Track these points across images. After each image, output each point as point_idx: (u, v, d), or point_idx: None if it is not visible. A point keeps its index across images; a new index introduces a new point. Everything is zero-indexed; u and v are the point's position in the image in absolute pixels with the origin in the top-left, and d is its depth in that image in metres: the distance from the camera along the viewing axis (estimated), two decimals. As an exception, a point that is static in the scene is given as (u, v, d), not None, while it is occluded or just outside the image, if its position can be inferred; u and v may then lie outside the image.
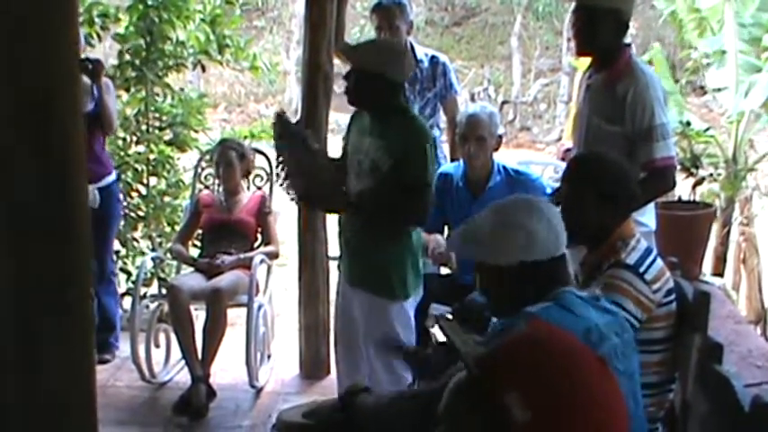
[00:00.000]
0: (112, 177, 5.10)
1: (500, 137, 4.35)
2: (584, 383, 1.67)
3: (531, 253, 2.30)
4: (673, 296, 2.88)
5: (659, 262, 2.89)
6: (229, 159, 5.00)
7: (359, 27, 14.32)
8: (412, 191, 3.58)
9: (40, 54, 1.59)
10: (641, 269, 2.81)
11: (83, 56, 4.91)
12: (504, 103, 14.66)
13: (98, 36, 5.80)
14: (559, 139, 12.18)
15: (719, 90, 6.45)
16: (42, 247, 1.68)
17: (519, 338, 1.89)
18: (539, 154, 12.37)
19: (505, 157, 4.59)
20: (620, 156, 3.18)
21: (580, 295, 2.34)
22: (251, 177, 5.22)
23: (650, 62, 6.24)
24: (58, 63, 1.63)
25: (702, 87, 8.28)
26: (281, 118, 3.80)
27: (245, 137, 6.16)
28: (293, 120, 4.08)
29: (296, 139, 3.76)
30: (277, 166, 3.82)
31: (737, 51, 6.28)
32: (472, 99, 13.78)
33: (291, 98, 14.29)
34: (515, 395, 1.67)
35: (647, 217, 3.64)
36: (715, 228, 6.21)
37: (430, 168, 3.65)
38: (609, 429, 1.67)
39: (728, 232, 6.40)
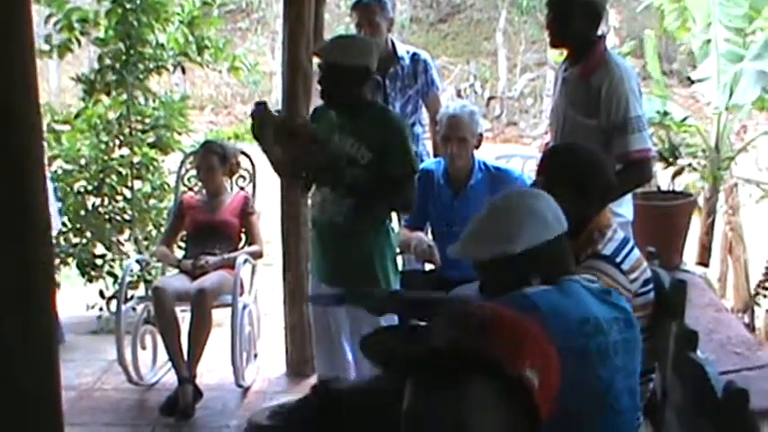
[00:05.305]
0: None
1: (480, 135, 4.35)
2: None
3: (543, 234, 2.32)
4: (650, 286, 2.89)
5: (636, 252, 2.90)
6: (210, 163, 5.00)
7: (344, 26, 14.31)
8: (400, 180, 3.63)
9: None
10: (618, 259, 2.81)
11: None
12: (490, 98, 14.70)
13: (78, 41, 5.79)
14: (546, 133, 12.17)
15: (702, 81, 6.45)
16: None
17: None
18: (525, 148, 12.35)
19: (486, 152, 4.59)
20: (595, 147, 3.20)
21: (588, 287, 2.33)
22: (234, 178, 5.23)
23: (630, 54, 6.25)
24: (15, 67, 1.64)
25: (689, 78, 8.28)
26: (263, 107, 3.72)
27: (229, 138, 6.17)
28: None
29: (279, 126, 3.70)
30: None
31: (723, 40, 6.25)
32: (459, 95, 13.81)
33: (278, 99, 14.21)
34: None
35: (624, 208, 3.66)
36: (700, 218, 6.22)
37: (413, 155, 3.70)
38: None
39: (713, 222, 6.39)
